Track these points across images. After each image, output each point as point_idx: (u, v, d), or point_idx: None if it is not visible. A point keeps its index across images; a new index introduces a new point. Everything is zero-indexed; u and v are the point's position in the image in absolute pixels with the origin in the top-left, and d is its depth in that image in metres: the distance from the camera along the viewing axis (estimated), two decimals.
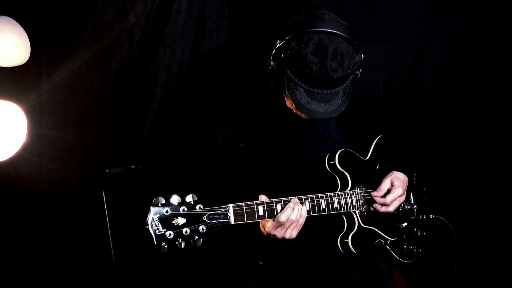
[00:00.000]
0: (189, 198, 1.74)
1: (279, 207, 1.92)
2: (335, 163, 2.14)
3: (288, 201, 1.93)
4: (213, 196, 1.84)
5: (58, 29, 2.60)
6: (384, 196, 2.15)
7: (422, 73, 2.84)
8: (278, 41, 2.02)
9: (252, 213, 1.85)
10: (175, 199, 1.71)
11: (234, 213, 1.80)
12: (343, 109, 2.03)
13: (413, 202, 2.33)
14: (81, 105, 2.72)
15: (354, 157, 2.21)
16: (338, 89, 1.98)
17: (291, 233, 1.95)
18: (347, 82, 2.00)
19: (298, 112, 2.08)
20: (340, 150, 2.15)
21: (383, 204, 2.14)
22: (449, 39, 2.77)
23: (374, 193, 2.14)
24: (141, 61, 2.74)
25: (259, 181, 2.14)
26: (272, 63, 2.04)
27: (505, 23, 2.67)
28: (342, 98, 2.02)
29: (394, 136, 2.34)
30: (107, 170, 2.55)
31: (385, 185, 2.16)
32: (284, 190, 2.00)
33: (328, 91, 1.97)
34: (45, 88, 2.62)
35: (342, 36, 1.93)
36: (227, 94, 2.44)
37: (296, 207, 1.93)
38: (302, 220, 1.96)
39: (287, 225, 1.92)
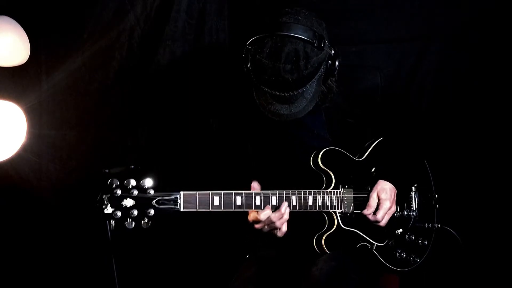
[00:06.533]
0: (144, 183, 1.84)
1: (238, 199, 1.95)
2: (318, 161, 2.14)
3: (250, 194, 1.97)
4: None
5: (58, 29, 2.60)
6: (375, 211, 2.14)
7: (422, 73, 2.83)
8: (245, 47, 2.07)
9: (205, 202, 1.91)
10: (130, 183, 1.83)
11: (184, 200, 1.88)
12: (310, 108, 2.04)
13: (414, 209, 2.28)
14: (81, 105, 2.73)
15: (343, 156, 2.20)
16: (300, 90, 1.99)
17: (268, 230, 2.03)
18: (312, 81, 2.00)
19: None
20: (326, 148, 2.15)
21: (375, 221, 2.13)
22: (449, 39, 2.77)
23: (364, 212, 2.12)
24: (141, 61, 2.74)
25: (244, 174, 2.19)
26: (244, 68, 2.08)
27: (506, 23, 2.67)
28: (308, 98, 2.02)
29: (395, 137, 2.32)
30: (107, 170, 2.55)
31: (373, 201, 2.14)
32: (267, 184, 2.06)
33: (289, 93, 1.98)
34: (44, 88, 2.63)
35: (295, 37, 1.94)
36: (225, 91, 2.46)
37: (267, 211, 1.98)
38: (277, 222, 2.00)
39: (266, 222, 2.00)
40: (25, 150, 2.37)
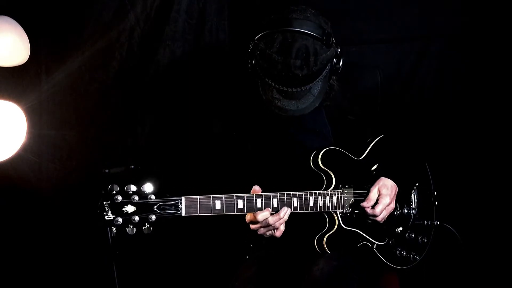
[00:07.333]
0: (145, 188, 1.81)
1: (240, 202, 1.94)
2: (318, 161, 2.14)
3: (251, 197, 1.96)
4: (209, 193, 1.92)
5: (58, 29, 2.61)
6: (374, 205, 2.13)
7: (422, 73, 2.83)
8: (251, 42, 2.05)
9: (207, 207, 1.90)
10: (130, 188, 1.80)
11: (186, 205, 1.87)
12: (317, 105, 2.05)
13: (414, 206, 2.28)
14: (81, 105, 2.73)
15: (343, 156, 2.19)
16: (308, 86, 2.00)
17: (264, 231, 2.02)
18: (319, 78, 2.01)
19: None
20: (326, 149, 2.15)
21: (372, 215, 2.12)
22: (449, 39, 2.77)
23: (363, 204, 2.11)
24: (141, 61, 2.74)
25: (244, 174, 2.19)
26: (249, 64, 2.07)
27: (505, 22, 2.67)
28: (314, 95, 2.03)
29: (396, 136, 2.32)
30: (107, 170, 2.55)
31: (374, 194, 2.14)
32: (267, 185, 2.03)
33: (296, 88, 1.99)
34: (44, 88, 2.63)
35: (306, 33, 1.94)
36: (225, 91, 2.46)
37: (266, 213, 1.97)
38: (276, 223, 1.98)
39: (263, 223, 1.98)
40: (25, 150, 2.37)
